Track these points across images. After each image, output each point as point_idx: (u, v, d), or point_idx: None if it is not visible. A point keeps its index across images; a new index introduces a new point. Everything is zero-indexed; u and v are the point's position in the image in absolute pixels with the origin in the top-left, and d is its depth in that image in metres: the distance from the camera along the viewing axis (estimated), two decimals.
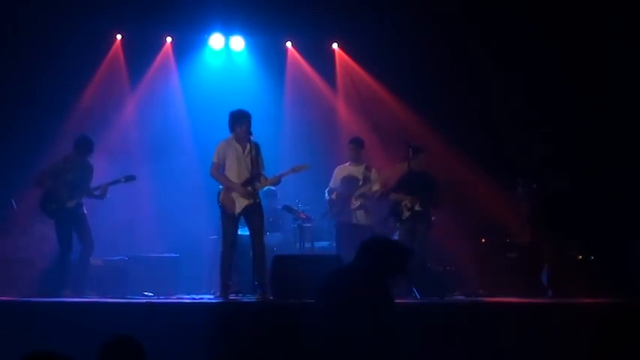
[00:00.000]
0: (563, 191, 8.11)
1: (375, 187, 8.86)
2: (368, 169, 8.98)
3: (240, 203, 7.63)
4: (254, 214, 7.68)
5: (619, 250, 8.86)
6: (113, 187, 8.61)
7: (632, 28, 9.49)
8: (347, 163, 9.09)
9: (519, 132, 9.16)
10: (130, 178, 8.55)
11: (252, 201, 7.64)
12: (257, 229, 7.68)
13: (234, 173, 7.69)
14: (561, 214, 8.11)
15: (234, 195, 7.63)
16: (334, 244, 9.18)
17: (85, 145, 8.47)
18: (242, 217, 7.73)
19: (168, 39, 10.78)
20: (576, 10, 9.71)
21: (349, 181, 8.89)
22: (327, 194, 9.10)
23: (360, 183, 8.89)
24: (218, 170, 7.76)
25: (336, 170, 9.10)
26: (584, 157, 8.99)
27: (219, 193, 7.76)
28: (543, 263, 8.22)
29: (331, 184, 9.09)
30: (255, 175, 7.74)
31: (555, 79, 9.79)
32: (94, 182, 8.52)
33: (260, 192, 7.85)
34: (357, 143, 9.01)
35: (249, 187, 7.63)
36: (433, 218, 8.64)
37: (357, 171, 8.95)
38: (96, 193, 8.46)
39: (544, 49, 9.91)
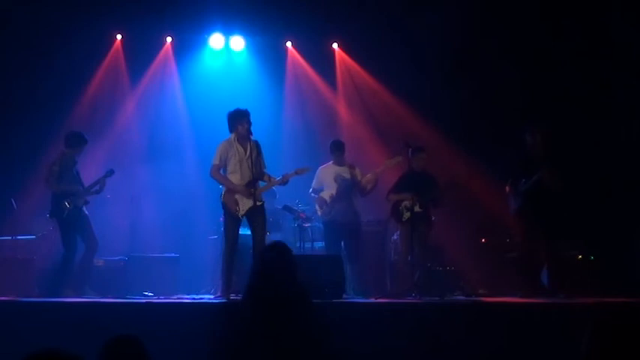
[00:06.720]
0: (550, 190, 8.02)
1: (370, 184, 8.81)
2: (352, 167, 8.95)
3: (244, 205, 7.58)
4: (257, 216, 7.63)
5: (619, 250, 8.85)
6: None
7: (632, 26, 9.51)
8: (330, 163, 9.00)
9: (516, 131, 9.13)
10: (110, 173, 8.47)
11: (255, 203, 7.59)
12: (260, 231, 7.63)
13: (238, 175, 7.63)
14: (548, 213, 8.03)
15: (237, 196, 7.58)
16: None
17: (78, 141, 8.36)
18: (244, 218, 7.70)
19: (169, 39, 10.79)
20: (576, 11, 9.73)
21: (343, 180, 8.86)
22: (313, 194, 9.05)
23: (351, 181, 8.86)
24: (219, 171, 7.71)
25: (322, 171, 8.99)
26: (579, 156, 9.00)
27: (222, 194, 7.73)
28: (542, 263, 8.20)
29: (315, 185, 9.01)
30: (257, 176, 7.71)
31: (554, 78, 9.79)
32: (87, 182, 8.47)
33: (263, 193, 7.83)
34: (343, 148, 8.94)
35: (252, 189, 7.62)
36: (433, 218, 8.63)
37: (344, 170, 8.91)
38: (94, 189, 8.43)
39: (543, 48, 9.92)
